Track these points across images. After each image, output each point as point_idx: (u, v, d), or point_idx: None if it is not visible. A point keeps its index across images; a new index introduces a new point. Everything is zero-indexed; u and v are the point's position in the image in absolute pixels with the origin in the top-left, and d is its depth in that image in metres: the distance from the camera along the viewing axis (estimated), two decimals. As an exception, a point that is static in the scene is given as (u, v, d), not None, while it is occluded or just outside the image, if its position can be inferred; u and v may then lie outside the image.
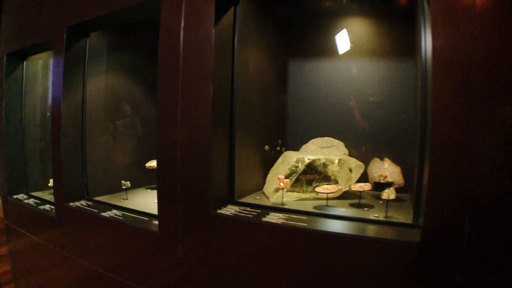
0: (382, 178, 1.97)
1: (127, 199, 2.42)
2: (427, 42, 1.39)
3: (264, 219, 1.56)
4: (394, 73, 2.18)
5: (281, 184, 1.86)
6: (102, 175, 2.54)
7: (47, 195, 2.94)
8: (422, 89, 1.43)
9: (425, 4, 1.40)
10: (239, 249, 1.56)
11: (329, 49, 2.35)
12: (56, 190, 2.39)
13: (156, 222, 1.91)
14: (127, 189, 2.42)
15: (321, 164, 2.01)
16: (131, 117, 2.82)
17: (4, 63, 2.94)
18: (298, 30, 2.43)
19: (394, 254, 1.24)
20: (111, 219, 2.01)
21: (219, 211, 1.67)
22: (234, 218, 1.60)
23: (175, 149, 1.70)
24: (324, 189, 1.86)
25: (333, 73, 2.35)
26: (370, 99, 2.25)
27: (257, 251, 1.51)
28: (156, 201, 2.26)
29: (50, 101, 3.15)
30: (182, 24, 1.68)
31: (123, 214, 2.09)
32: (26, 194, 3.04)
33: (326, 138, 2.31)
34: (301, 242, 1.42)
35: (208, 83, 1.60)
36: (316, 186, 2.00)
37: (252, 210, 1.73)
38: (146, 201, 2.39)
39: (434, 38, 1.16)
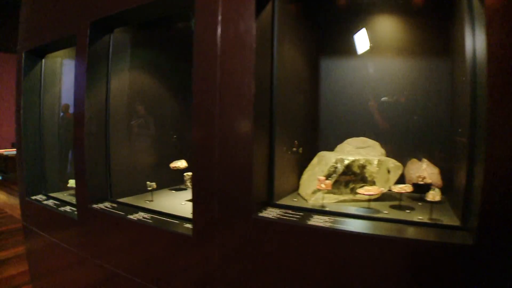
0: (420, 179, 1.88)
1: (152, 200, 2.32)
2: (476, 40, 1.31)
3: (310, 223, 1.47)
4: (426, 71, 2.09)
5: (322, 185, 1.76)
6: (125, 176, 2.45)
7: (67, 196, 2.86)
8: (471, 88, 1.34)
9: (475, 1, 1.31)
10: (284, 254, 1.46)
11: (362, 47, 2.25)
12: (79, 191, 2.30)
13: (187, 225, 1.83)
14: (153, 190, 2.33)
15: (359, 165, 1.92)
16: (147, 116, 2.73)
17: (23, 61, 2.86)
18: (330, 26, 2.33)
19: (445, 257, 1.18)
20: (139, 222, 1.91)
21: (260, 214, 1.58)
22: (278, 221, 1.50)
23: (212, 149, 1.61)
24: (366, 190, 1.77)
25: (366, 71, 2.27)
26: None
27: (304, 255, 1.42)
28: (183, 203, 2.22)
29: (63, 100, 3.12)
30: (220, 18, 1.59)
31: (151, 216, 1.99)
32: (44, 195, 2.96)
33: (362, 138, 2.22)
34: (351, 246, 1.33)
35: (249, 80, 1.50)
36: (353, 187, 1.91)
37: (294, 213, 1.63)
38: (173, 202, 2.29)
39: (489, 37, 1.09)
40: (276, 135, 1.74)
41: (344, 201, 1.89)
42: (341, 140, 2.26)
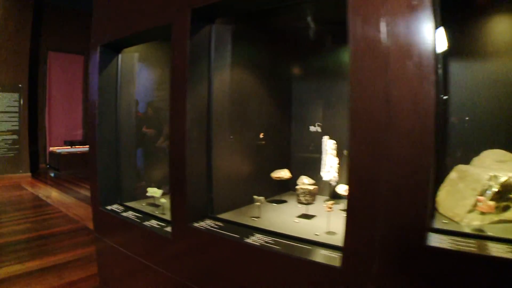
0: None
1: (259, 217, 2.00)
2: None
3: (495, 254, 1.17)
4: None
5: (484, 207, 1.52)
6: (226, 188, 2.13)
7: (146, 207, 2.58)
8: None
9: None
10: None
11: (498, 46, 1.90)
12: (175, 206, 1.98)
13: (324, 251, 1.54)
14: (261, 205, 2.02)
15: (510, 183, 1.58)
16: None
17: (98, 55, 2.59)
18: (461, 21, 1.97)
19: None
20: (263, 248, 1.59)
21: (433, 244, 1.26)
22: (460, 253, 1.20)
23: (377, 166, 1.30)
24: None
25: (499, 74, 1.90)
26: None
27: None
28: (297, 220, 1.94)
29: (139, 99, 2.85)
30: (383, 10, 1.27)
31: (274, 240, 1.67)
32: (121, 204, 2.68)
33: (499, 150, 1.87)
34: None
35: (429, 87, 1.20)
36: (498, 206, 1.58)
37: (464, 240, 1.33)
38: (283, 219, 1.98)
39: None
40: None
41: (494, 222, 1.58)
42: (471, 151, 1.93)
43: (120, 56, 2.70)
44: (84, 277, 3.59)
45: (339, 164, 2.28)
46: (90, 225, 5.08)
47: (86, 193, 7.36)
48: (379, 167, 1.30)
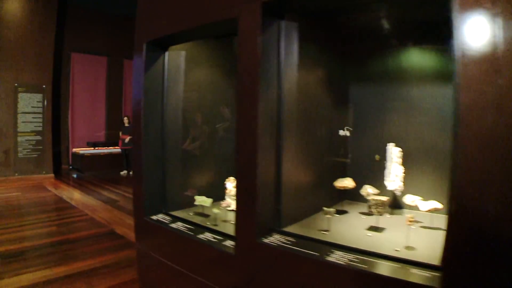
0: None
1: (329, 231, 1.82)
2: None
3: None
4: None
5: None
6: (291, 199, 1.95)
7: (195, 217, 2.40)
8: None
9: None
10: None
11: None
12: (242, 219, 1.80)
13: (415, 270, 1.40)
14: (330, 218, 1.85)
15: None
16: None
17: (144, 53, 2.42)
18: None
19: None
20: (350, 268, 1.42)
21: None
22: None
23: (488, 176, 1.17)
24: None
25: None
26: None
27: None
28: (370, 234, 1.78)
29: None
30: (494, 11, 1.13)
31: (358, 258, 1.50)
32: (166, 214, 2.51)
33: None
34: None
35: None
36: None
37: None
38: (355, 233, 1.82)
39: None
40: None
41: None
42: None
43: (167, 54, 2.53)
44: (114, 284, 3.43)
45: (404, 173, 2.10)
46: (118, 230, 4.94)
47: (110, 195, 7.26)
48: (488, 181, 1.18)
